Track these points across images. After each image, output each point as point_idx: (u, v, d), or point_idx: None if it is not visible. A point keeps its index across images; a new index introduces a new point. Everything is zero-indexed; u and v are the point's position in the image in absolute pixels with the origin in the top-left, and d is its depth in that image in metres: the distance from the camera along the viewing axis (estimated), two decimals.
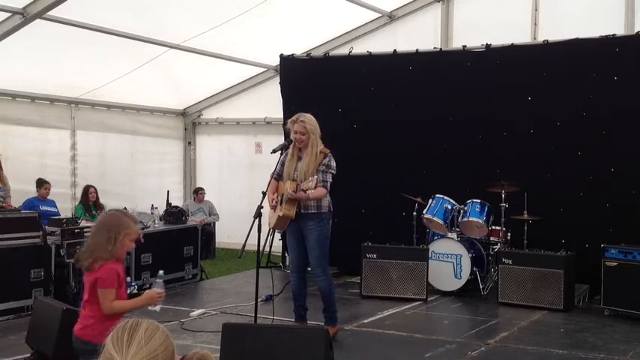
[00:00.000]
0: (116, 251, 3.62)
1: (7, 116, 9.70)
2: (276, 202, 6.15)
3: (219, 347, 4.60)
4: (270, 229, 6.34)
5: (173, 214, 9.27)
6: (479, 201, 8.30)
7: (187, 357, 2.24)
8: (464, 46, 9.13)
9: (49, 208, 9.10)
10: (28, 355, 5.46)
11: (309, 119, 6.12)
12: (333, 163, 6.12)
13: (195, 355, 2.24)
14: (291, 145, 6.17)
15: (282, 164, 6.26)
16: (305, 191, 5.82)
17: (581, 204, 8.26)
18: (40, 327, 5.46)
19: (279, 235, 8.59)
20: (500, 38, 8.92)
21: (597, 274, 7.32)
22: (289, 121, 6.23)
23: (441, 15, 10.20)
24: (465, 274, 8.11)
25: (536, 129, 8.59)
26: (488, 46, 8.89)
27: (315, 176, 5.86)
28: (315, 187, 5.84)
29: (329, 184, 6.10)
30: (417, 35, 10.05)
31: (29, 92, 9.91)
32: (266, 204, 6.00)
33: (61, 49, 8.93)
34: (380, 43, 10.19)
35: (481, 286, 8.18)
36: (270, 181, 6.29)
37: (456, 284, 8.19)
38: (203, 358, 2.23)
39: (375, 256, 8.09)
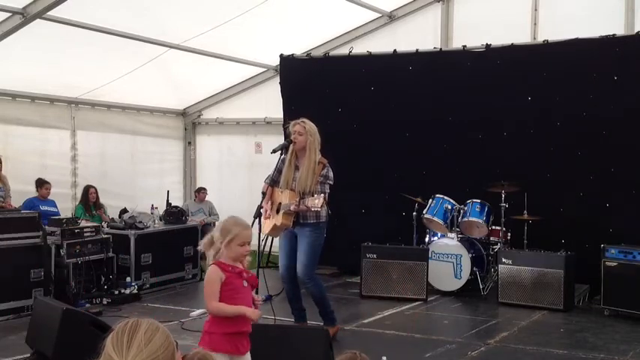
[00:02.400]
0: None
1: (7, 116, 9.69)
2: (270, 213, 6.15)
3: None
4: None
5: (173, 214, 9.27)
6: (479, 201, 8.30)
7: (188, 356, 2.25)
8: (464, 46, 9.13)
9: (49, 208, 9.09)
10: (28, 355, 5.47)
11: (309, 122, 6.15)
12: (331, 174, 6.12)
13: (197, 356, 2.24)
14: (289, 153, 6.16)
15: (280, 171, 6.24)
16: (311, 207, 5.82)
17: (581, 204, 8.26)
18: (40, 327, 5.48)
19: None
20: (500, 38, 8.92)
21: (597, 274, 7.32)
22: (291, 123, 6.24)
23: (441, 15, 10.19)
24: (465, 274, 8.11)
25: (536, 129, 8.59)
26: (488, 46, 8.90)
27: (322, 194, 5.85)
28: (322, 205, 5.85)
29: (327, 194, 6.09)
30: (417, 35, 10.05)
31: (29, 92, 9.90)
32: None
33: (61, 49, 8.92)
34: (380, 43, 10.18)
35: (481, 286, 8.18)
36: (266, 187, 6.28)
37: (456, 284, 8.19)
38: (204, 358, 2.24)
39: (375, 256, 8.09)
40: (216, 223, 11.44)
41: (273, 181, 6.26)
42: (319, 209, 5.87)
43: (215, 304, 3.62)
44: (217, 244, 3.67)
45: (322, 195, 5.82)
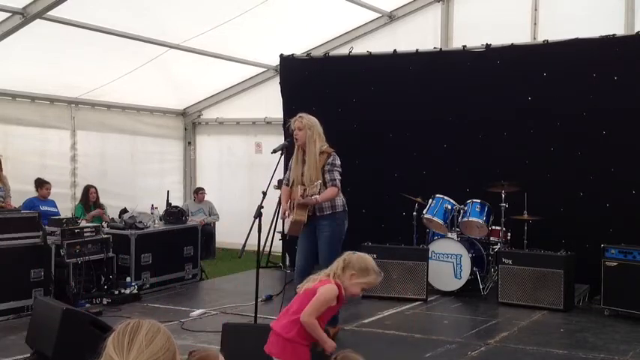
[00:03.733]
0: None
1: (7, 116, 9.70)
2: (288, 212, 6.17)
3: (219, 347, 4.61)
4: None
5: (173, 214, 9.26)
6: (479, 201, 8.30)
7: (193, 353, 2.25)
8: (464, 46, 9.13)
9: (49, 208, 9.10)
10: (28, 355, 5.47)
11: (307, 116, 6.18)
12: (338, 161, 6.14)
13: (196, 356, 2.24)
14: (296, 149, 6.20)
15: (291, 169, 6.29)
16: (311, 196, 5.85)
17: (581, 204, 8.26)
18: (40, 327, 5.48)
19: (279, 235, 8.59)
20: (500, 38, 8.92)
21: (597, 274, 7.31)
22: (291, 120, 6.26)
23: (441, 15, 10.20)
24: (465, 274, 8.11)
25: (536, 129, 8.59)
26: (488, 46, 8.90)
27: (319, 181, 5.87)
28: (320, 190, 5.87)
29: (338, 181, 6.10)
30: (417, 35, 10.06)
31: (29, 92, 9.91)
32: (266, 204, 6.00)
33: (61, 49, 8.93)
34: (380, 43, 10.19)
35: (481, 286, 8.18)
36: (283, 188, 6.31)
37: (456, 284, 8.19)
38: (204, 359, 2.24)
39: (375, 256, 8.00)
40: (215, 222, 11.41)
41: (289, 181, 6.29)
42: (332, 196, 5.88)
43: (314, 321, 3.68)
44: (348, 273, 3.72)
45: (319, 182, 5.85)
